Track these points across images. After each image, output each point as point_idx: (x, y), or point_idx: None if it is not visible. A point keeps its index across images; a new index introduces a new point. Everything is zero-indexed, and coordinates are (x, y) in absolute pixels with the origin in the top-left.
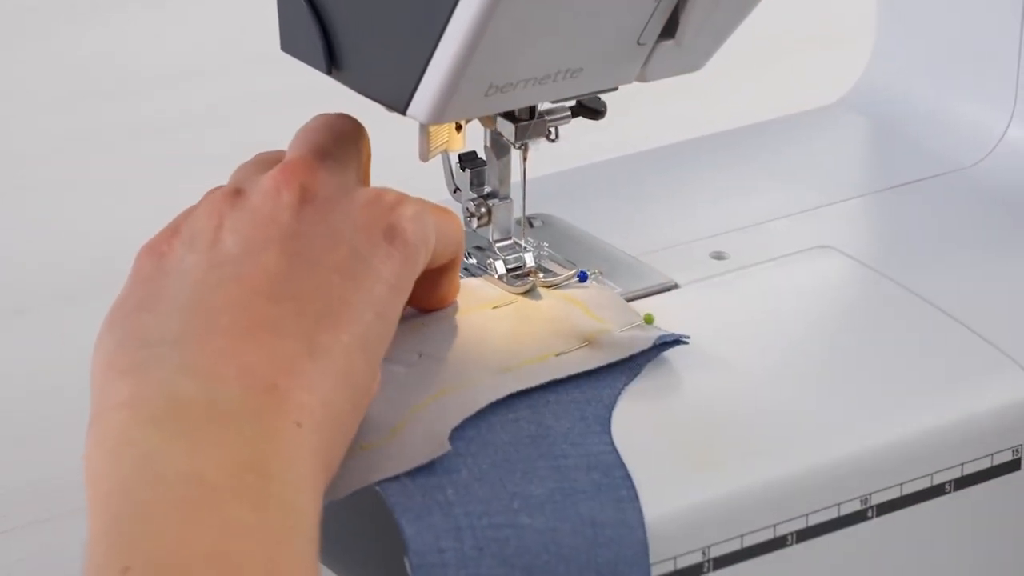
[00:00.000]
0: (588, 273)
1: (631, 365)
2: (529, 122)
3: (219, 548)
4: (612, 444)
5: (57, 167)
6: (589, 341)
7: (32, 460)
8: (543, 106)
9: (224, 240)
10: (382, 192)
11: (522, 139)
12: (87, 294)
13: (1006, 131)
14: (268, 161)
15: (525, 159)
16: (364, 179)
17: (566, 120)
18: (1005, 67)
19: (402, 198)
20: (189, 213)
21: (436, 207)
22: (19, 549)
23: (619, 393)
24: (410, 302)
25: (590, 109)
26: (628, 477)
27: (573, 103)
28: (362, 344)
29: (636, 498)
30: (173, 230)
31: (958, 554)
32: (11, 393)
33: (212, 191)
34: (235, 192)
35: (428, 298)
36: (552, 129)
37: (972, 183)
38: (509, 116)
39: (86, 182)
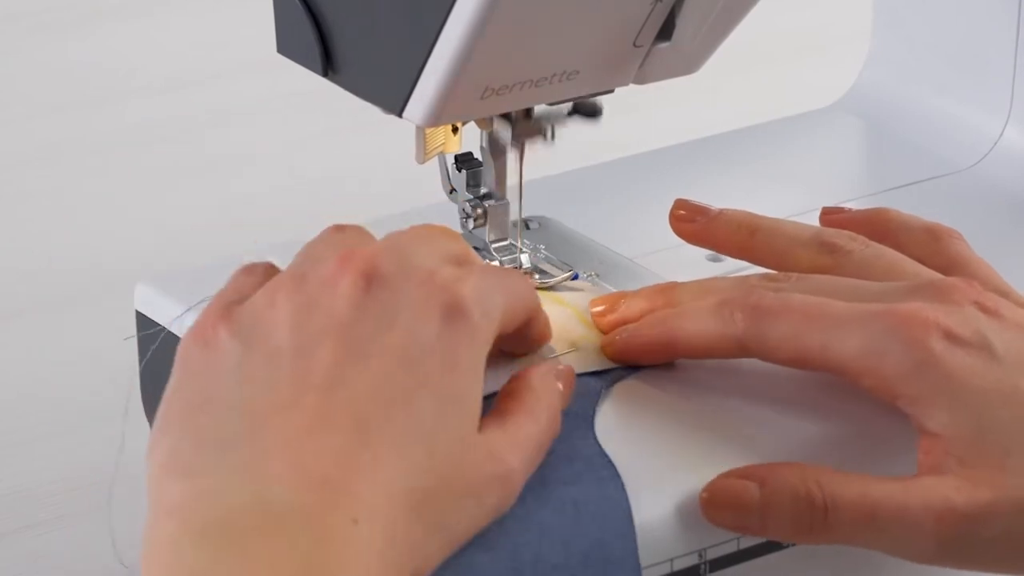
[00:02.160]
0: (581, 274)
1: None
2: (526, 122)
3: None
4: (595, 439)
5: (51, 173)
6: (576, 347)
7: (21, 467)
8: (540, 106)
9: (279, 333)
10: (438, 269)
11: (518, 138)
12: (80, 300)
13: (1002, 133)
14: (336, 242)
15: (522, 159)
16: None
17: (562, 120)
18: (1001, 69)
19: (460, 274)
20: (238, 291)
21: (501, 271)
22: (8, 555)
23: (602, 390)
24: (504, 350)
25: (587, 109)
26: (611, 464)
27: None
28: (417, 429)
29: (617, 476)
30: (221, 313)
31: None
32: (4, 395)
33: (278, 278)
34: (299, 278)
35: (521, 347)
36: (548, 128)
37: (969, 185)
38: (505, 115)
39: (80, 188)
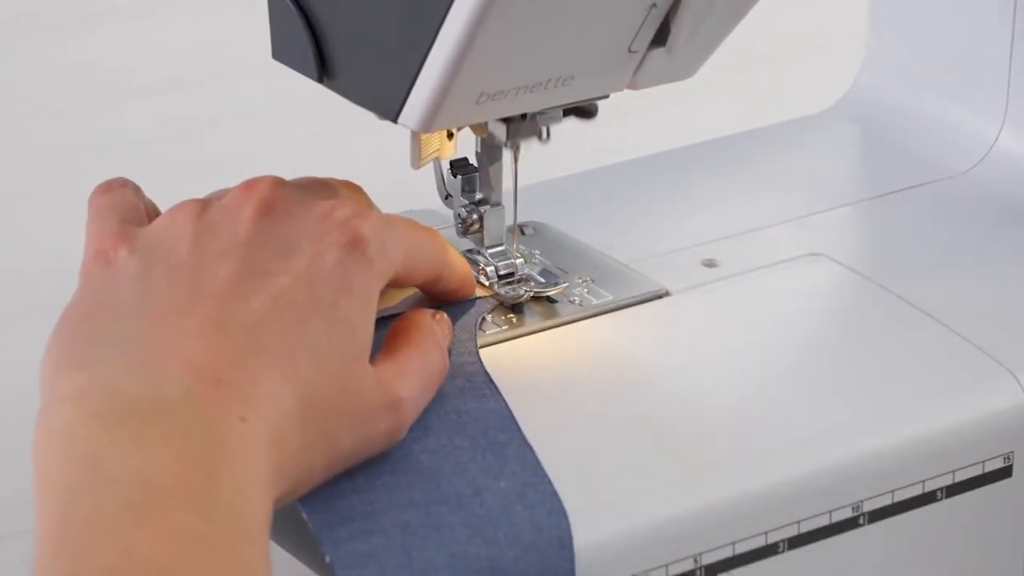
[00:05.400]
0: (576, 280)
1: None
2: (521, 122)
3: (167, 557)
4: (478, 355)
5: (51, 172)
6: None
7: (22, 469)
8: None
9: (180, 249)
10: (338, 204)
11: (514, 138)
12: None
13: (997, 138)
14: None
15: (516, 159)
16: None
17: (557, 120)
18: (996, 74)
19: (361, 211)
20: (117, 210)
21: (405, 222)
22: (10, 557)
23: (484, 311)
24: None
25: (582, 109)
26: (491, 382)
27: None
28: (307, 345)
29: (499, 393)
30: (120, 234)
31: (950, 561)
32: (4, 395)
33: (181, 204)
34: (202, 204)
35: (448, 299)
36: (544, 129)
37: (964, 190)
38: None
39: (80, 188)
